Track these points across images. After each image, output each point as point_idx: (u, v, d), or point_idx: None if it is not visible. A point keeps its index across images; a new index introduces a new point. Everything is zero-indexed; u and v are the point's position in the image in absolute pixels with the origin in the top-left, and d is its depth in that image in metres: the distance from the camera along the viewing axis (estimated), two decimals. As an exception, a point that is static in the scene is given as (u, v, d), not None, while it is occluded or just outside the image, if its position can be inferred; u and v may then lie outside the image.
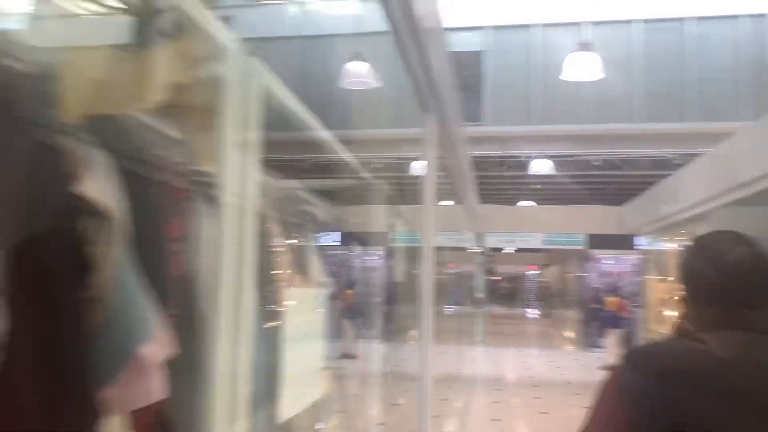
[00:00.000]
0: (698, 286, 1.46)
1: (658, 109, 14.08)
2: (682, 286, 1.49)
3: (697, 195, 7.03)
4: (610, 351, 12.51)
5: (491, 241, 16.46)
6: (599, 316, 16.75)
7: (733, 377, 1.31)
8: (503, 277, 43.39)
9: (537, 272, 36.43)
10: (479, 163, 17.12)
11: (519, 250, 28.40)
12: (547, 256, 28.30)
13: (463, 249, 12.17)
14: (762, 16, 12.34)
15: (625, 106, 14.43)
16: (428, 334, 3.21)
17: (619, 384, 1.40)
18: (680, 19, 13.35)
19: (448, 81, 3.28)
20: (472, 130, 15.73)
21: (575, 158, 16.24)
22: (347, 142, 2.70)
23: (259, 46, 4.24)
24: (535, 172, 13.86)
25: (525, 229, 14.82)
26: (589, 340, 16.52)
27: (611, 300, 13.16)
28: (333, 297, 3.08)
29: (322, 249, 3.01)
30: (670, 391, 1.32)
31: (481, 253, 16.88)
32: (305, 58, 11.43)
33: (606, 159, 15.95)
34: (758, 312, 1.36)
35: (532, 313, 34.54)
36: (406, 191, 4.62)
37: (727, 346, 1.34)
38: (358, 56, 9.15)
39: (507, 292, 44.80)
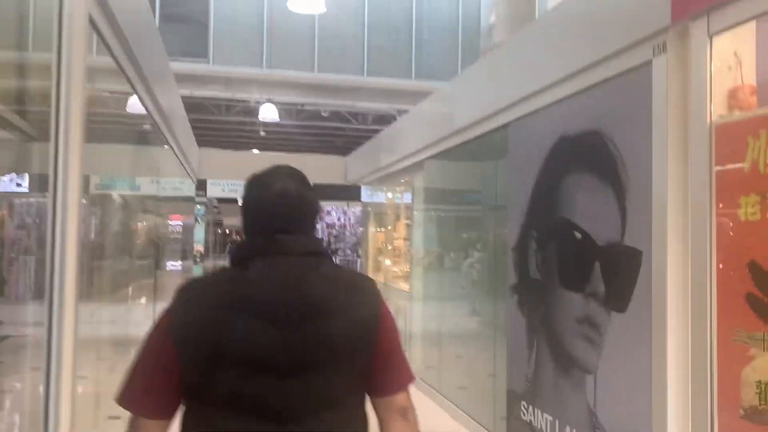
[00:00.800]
0: (247, 216, 1.59)
1: (385, 64, 14.48)
2: (242, 217, 1.60)
3: (411, 146, 6.97)
4: None
5: (215, 191, 15.43)
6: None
7: (261, 295, 1.46)
8: (232, 229, 42.61)
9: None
10: (202, 105, 15.90)
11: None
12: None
13: (187, 199, 10.98)
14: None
15: (354, 59, 14.55)
16: (66, 293, 2.36)
17: (167, 318, 1.50)
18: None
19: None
20: (195, 67, 14.45)
21: (305, 108, 15.97)
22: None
23: None
24: (263, 119, 13.11)
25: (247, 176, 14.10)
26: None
27: None
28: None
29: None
30: (206, 316, 1.45)
31: (205, 204, 15.74)
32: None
33: (335, 111, 15.98)
34: (292, 237, 1.53)
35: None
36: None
37: (261, 268, 1.49)
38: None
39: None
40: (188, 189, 10.42)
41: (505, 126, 4.52)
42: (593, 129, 3.36)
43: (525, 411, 4.03)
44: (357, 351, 1.52)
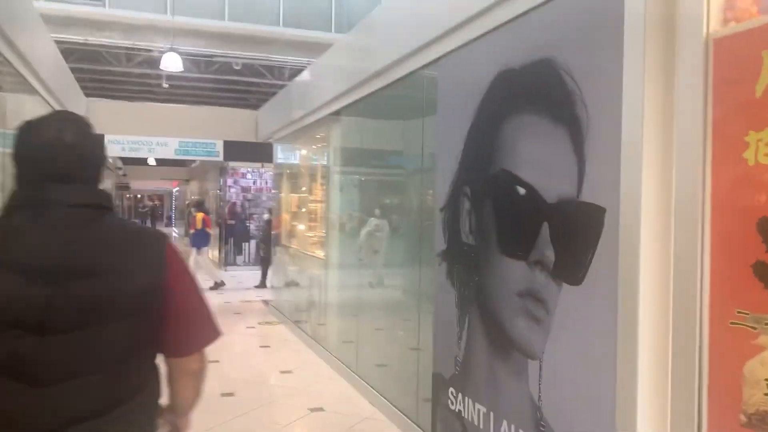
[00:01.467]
0: (18, 164, 1.47)
1: (303, 15, 13.48)
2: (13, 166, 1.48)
3: (324, 94, 6.16)
4: (210, 272, 11.76)
5: (115, 149, 13.97)
6: (235, 233, 15.99)
7: (22, 249, 1.37)
8: (144, 194, 40.41)
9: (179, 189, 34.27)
10: (99, 54, 14.33)
11: (160, 163, 25.96)
12: (188, 171, 26.44)
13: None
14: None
15: (269, 8, 13.48)
16: None
17: None
18: None
19: None
20: (90, 10, 12.91)
21: (215, 59, 14.70)
22: None
23: None
24: (165, 69, 11.83)
25: (152, 132, 12.56)
26: (226, 258, 15.62)
27: (198, 216, 11.97)
28: None
29: None
30: None
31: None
32: None
33: (248, 64, 14.81)
34: (66, 186, 1.43)
35: (175, 232, 32.69)
36: None
37: (26, 219, 1.40)
38: None
39: (149, 211, 42.43)
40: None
41: (434, 62, 3.79)
42: (543, 57, 2.69)
43: (453, 399, 3.42)
44: (138, 310, 1.44)
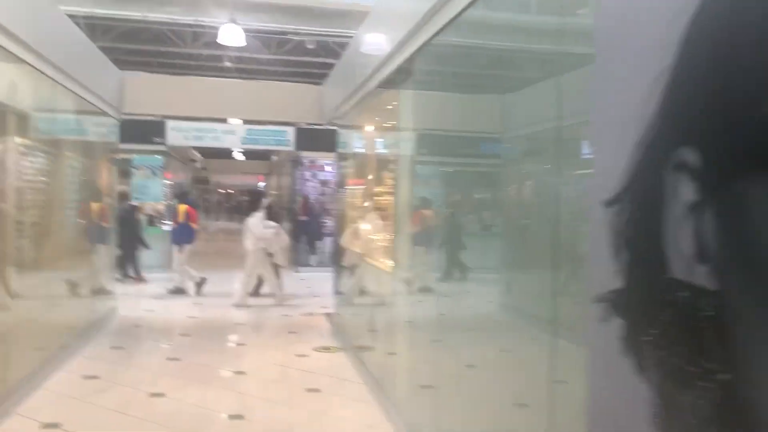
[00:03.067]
0: None
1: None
2: None
3: (394, 34, 4.29)
4: (185, 273, 9.96)
5: (176, 138, 12.76)
6: (308, 230, 14.43)
7: None
8: (229, 189, 40.08)
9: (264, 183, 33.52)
10: (164, 33, 13.20)
11: (247, 156, 25.11)
12: (268, 165, 25.40)
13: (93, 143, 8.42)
14: None
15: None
16: None
17: None
18: None
19: None
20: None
21: (287, 37, 13.22)
22: None
23: None
24: (223, 42, 10.38)
25: (201, 111, 10.95)
26: (298, 259, 14.09)
27: (181, 208, 9.96)
28: None
29: None
30: None
31: (165, 153, 13.12)
32: None
33: (323, 42, 13.22)
34: None
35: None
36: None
37: None
38: None
39: (236, 206, 42.45)
40: (95, 128, 7.78)
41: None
42: None
43: None
44: None
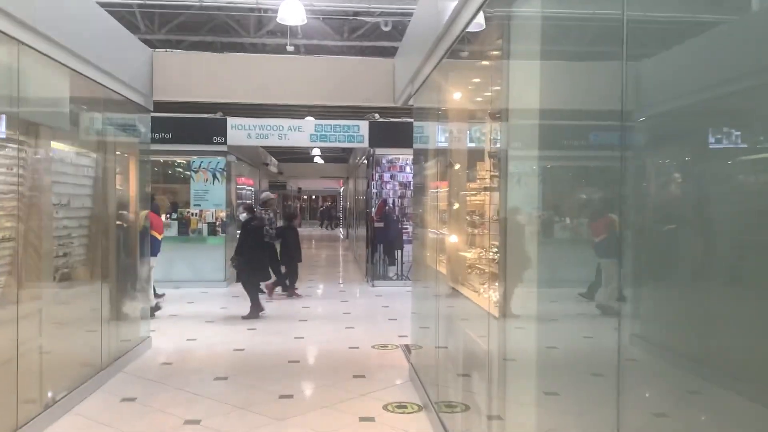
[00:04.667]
0: None
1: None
2: None
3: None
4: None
5: (239, 137, 11.39)
6: (386, 237, 12.68)
7: None
8: (313, 194, 39.17)
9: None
10: (227, 23, 11.94)
11: (326, 159, 23.84)
12: (346, 168, 23.97)
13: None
14: None
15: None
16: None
17: None
18: None
19: None
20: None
21: (358, 18, 11.62)
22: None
23: None
24: (282, 21, 8.84)
25: (270, 97, 8.89)
26: (374, 271, 12.40)
27: (141, 214, 7.12)
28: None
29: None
30: None
31: (226, 154, 11.78)
32: None
33: (398, 24, 11.53)
34: None
35: (341, 233, 30.71)
36: None
37: None
38: None
39: (325, 212, 41.57)
40: (120, 119, 6.36)
41: None
42: None
43: None
44: None
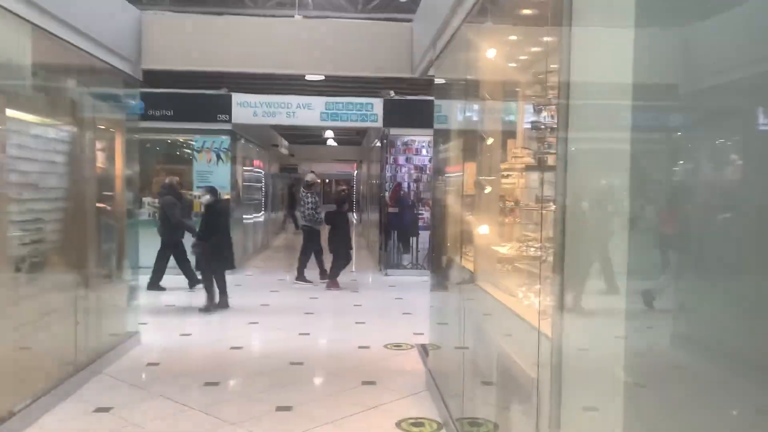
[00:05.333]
0: None
1: None
2: None
3: None
4: None
5: (245, 114, 10.66)
6: (400, 224, 11.95)
7: None
8: (329, 179, 38.44)
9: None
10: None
11: (340, 142, 23.03)
12: (359, 151, 23.17)
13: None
14: None
15: None
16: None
17: None
18: None
19: None
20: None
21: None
22: None
23: None
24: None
25: (275, 65, 7.96)
26: (388, 259, 11.69)
27: None
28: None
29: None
30: None
31: (231, 134, 11.07)
32: None
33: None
34: None
35: (355, 218, 30.00)
36: None
37: None
38: None
39: (341, 196, 40.67)
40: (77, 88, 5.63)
41: None
42: None
43: None
44: None
